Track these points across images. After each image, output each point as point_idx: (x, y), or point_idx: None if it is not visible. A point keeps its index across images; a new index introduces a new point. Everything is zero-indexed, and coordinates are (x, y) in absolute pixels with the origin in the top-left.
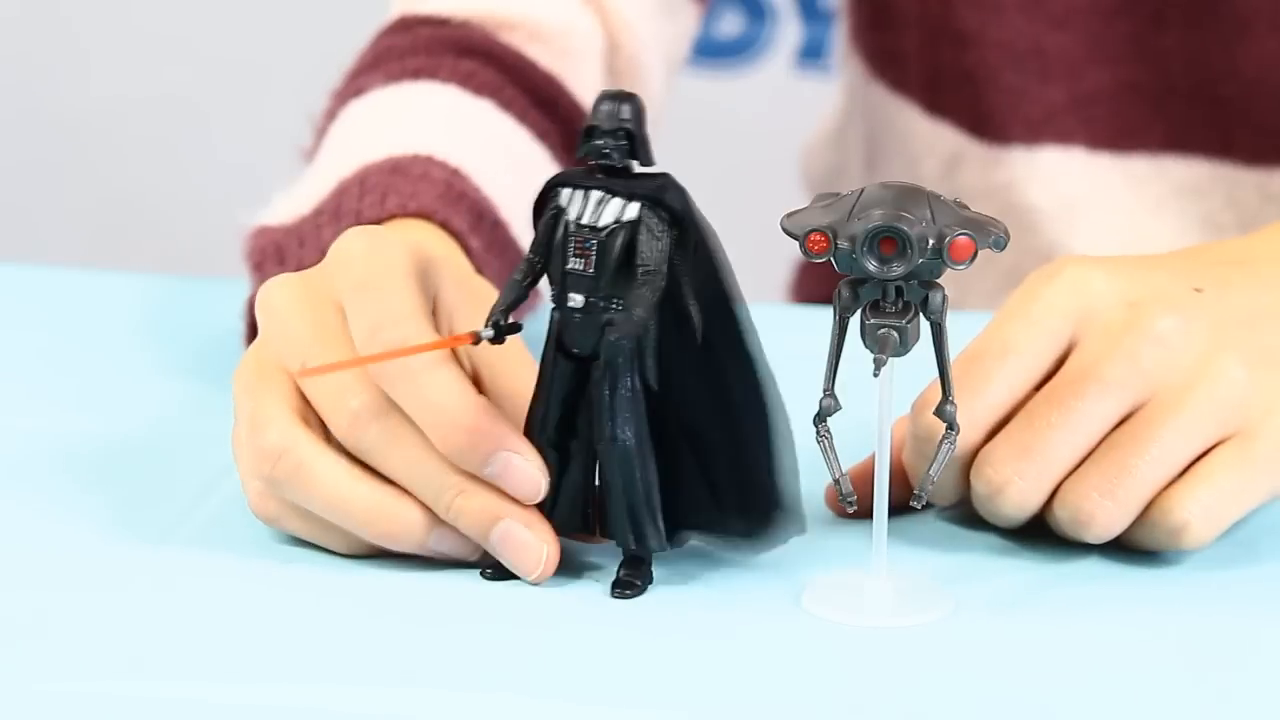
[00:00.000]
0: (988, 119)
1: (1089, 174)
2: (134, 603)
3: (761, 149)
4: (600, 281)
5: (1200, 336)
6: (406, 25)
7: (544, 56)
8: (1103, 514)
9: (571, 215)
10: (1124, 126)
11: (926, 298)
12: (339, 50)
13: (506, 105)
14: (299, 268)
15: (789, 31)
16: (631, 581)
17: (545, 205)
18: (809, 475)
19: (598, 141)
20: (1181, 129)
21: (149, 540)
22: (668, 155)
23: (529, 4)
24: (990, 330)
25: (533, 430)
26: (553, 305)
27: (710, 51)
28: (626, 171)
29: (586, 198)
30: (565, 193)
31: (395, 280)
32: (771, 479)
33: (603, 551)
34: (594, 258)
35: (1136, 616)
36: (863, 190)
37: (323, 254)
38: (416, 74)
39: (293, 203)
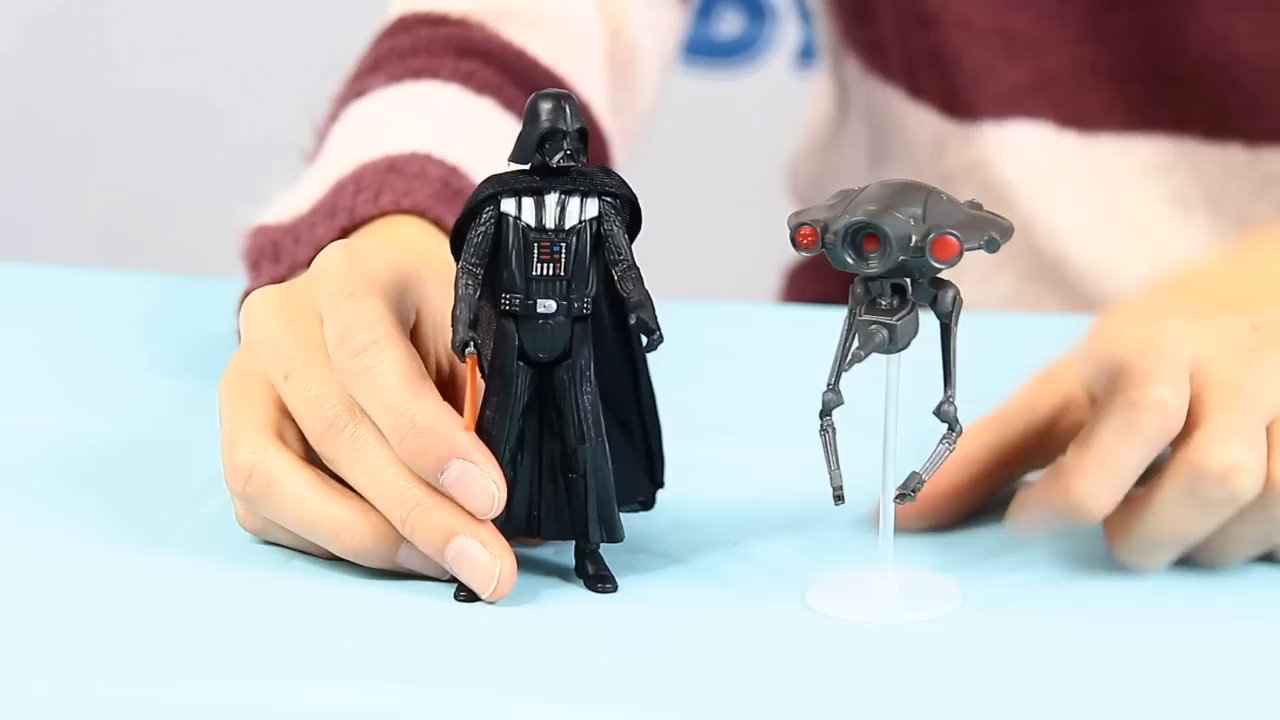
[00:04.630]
0: (958, 97)
1: (1058, 151)
2: (133, 603)
3: (761, 149)
4: (574, 283)
5: (1229, 353)
6: (407, 25)
7: (545, 50)
8: None
9: (527, 220)
10: (1087, 106)
11: (936, 297)
12: (339, 51)
13: (508, 104)
14: (293, 265)
15: (789, 31)
16: (608, 575)
17: (477, 215)
18: (813, 474)
19: (563, 143)
20: (1141, 107)
21: (148, 540)
22: (666, 155)
23: None
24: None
25: (496, 444)
26: (506, 314)
27: (709, 51)
28: (563, 170)
29: (541, 200)
30: (508, 200)
31: (371, 289)
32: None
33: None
34: (564, 260)
35: (1144, 613)
36: (865, 187)
37: (316, 250)
38: (418, 74)
39: (291, 202)
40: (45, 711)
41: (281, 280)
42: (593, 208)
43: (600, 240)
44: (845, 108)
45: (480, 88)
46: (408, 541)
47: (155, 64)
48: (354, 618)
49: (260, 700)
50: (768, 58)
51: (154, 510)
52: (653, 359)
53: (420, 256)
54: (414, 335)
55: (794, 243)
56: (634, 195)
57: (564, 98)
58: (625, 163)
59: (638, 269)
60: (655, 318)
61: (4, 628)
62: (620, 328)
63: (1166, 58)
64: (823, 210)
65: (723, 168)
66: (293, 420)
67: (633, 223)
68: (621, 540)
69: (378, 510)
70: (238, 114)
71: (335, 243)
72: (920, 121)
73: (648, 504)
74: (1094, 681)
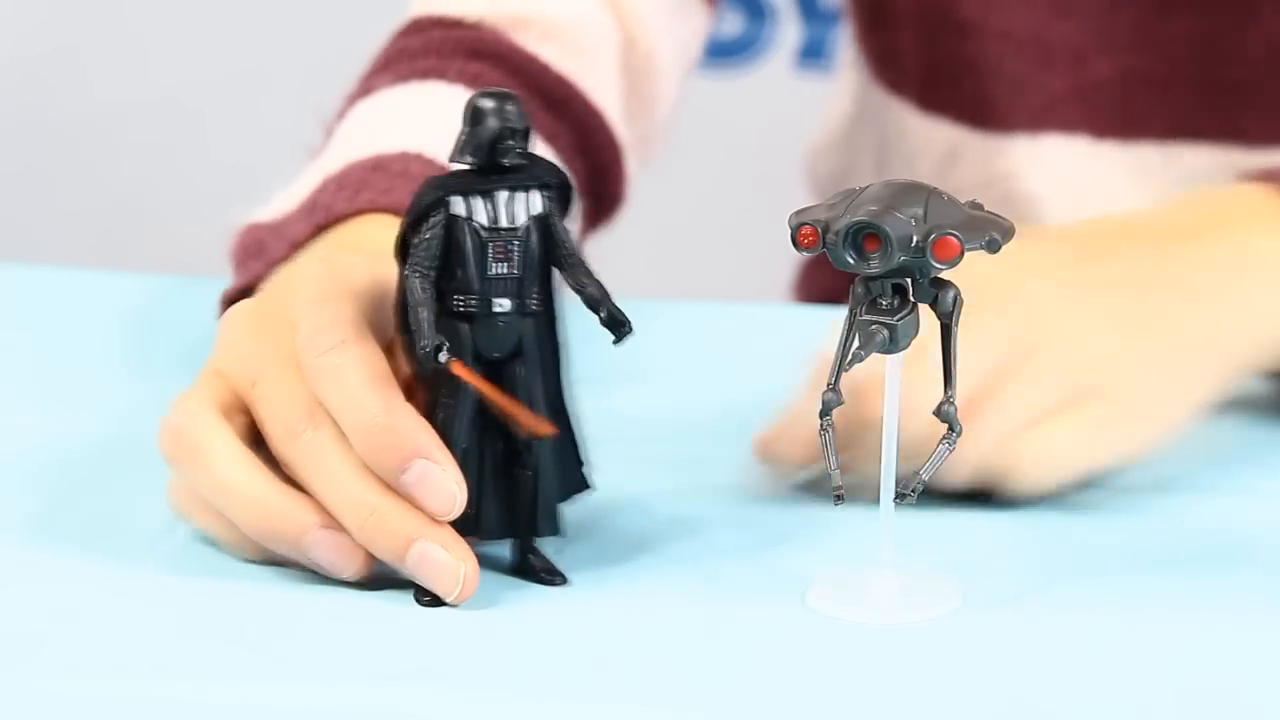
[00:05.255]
0: (988, 108)
1: (1092, 162)
2: (128, 603)
3: (762, 149)
4: (525, 281)
5: (1070, 299)
6: (420, 27)
7: (558, 56)
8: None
9: (480, 220)
10: (1129, 115)
11: (937, 297)
12: (335, 53)
13: None
14: (270, 262)
15: (789, 31)
16: (555, 568)
17: (425, 218)
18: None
19: (511, 142)
20: (1189, 115)
21: (145, 540)
22: (668, 155)
23: (543, 2)
24: None
25: (453, 446)
26: (459, 315)
27: (710, 51)
28: (502, 167)
29: (491, 199)
30: (457, 200)
31: (345, 296)
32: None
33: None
34: (518, 258)
35: (1144, 612)
36: (867, 187)
37: (292, 247)
38: (424, 75)
39: (284, 200)
40: (44, 711)
41: (261, 277)
42: (537, 203)
43: (546, 235)
44: (863, 104)
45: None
46: (320, 533)
47: (154, 65)
48: (355, 616)
49: (257, 700)
50: (768, 58)
51: (151, 510)
52: (651, 358)
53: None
54: (393, 346)
55: (795, 242)
56: (568, 178)
57: (509, 97)
58: (641, 169)
59: (585, 262)
60: (620, 309)
61: (6, 625)
62: (548, 316)
63: (1222, 64)
64: (824, 210)
65: (722, 168)
66: (247, 415)
67: (567, 206)
68: (563, 534)
69: (304, 500)
70: (235, 115)
71: (316, 254)
72: (931, 135)
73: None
74: (1094, 681)
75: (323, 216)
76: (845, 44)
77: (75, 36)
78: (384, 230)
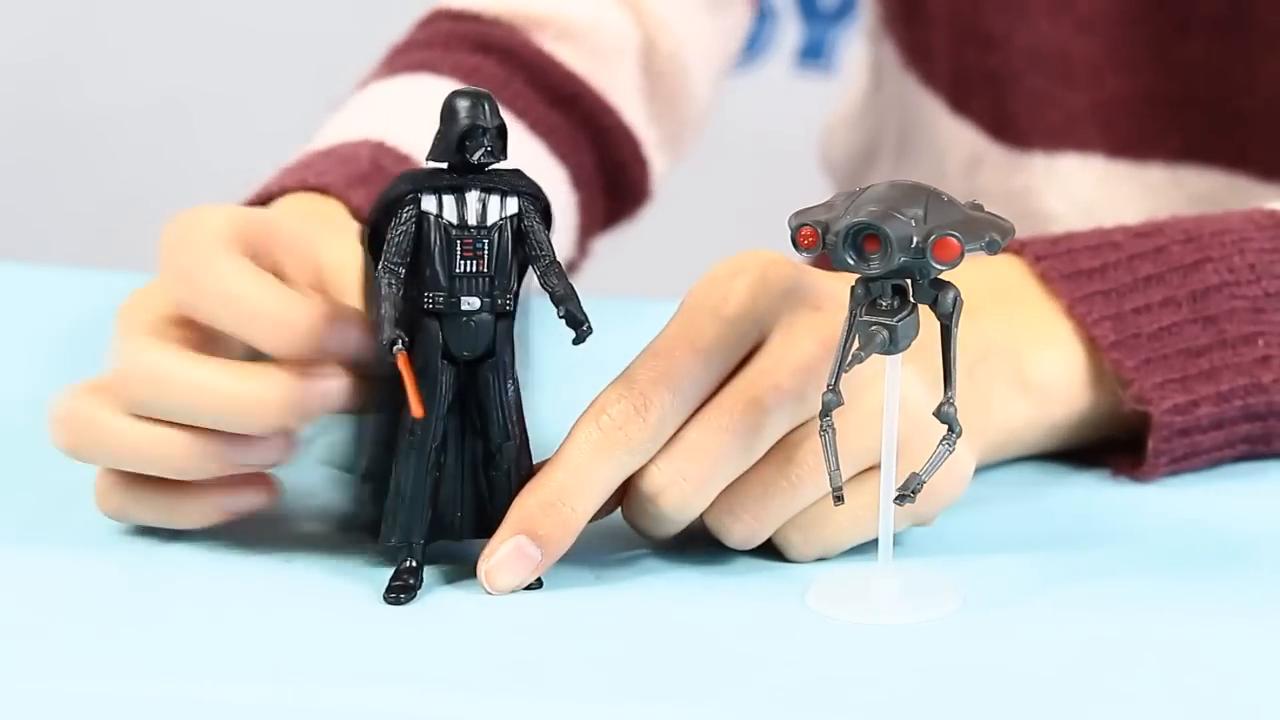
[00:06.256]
0: (1009, 122)
1: (1107, 182)
2: (129, 602)
3: (762, 149)
4: (498, 280)
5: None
6: (434, 19)
7: (573, 56)
8: (740, 529)
9: (449, 218)
10: (1142, 134)
11: (936, 298)
12: (328, 56)
13: (509, 101)
14: None
15: (789, 31)
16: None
17: (396, 213)
18: None
19: (480, 139)
20: (1198, 139)
21: (138, 538)
22: None
23: (560, 2)
24: (677, 327)
25: (423, 445)
26: (429, 312)
27: None
28: (480, 169)
29: (462, 198)
30: (428, 198)
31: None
32: None
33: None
34: (487, 256)
35: (1143, 613)
36: (868, 187)
37: None
38: (417, 67)
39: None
40: (44, 711)
41: None
42: (512, 205)
43: (520, 236)
44: (879, 80)
45: (479, 82)
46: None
47: (148, 69)
48: (353, 616)
49: (254, 700)
50: (768, 58)
51: None
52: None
53: (268, 213)
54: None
55: (795, 243)
56: (547, 200)
57: (482, 95)
58: (670, 166)
59: (559, 264)
60: (582, 309)
61: (2, 626)
62: (516, 316)
63: (1234, 92)
64: (824, 211)
65: (721, 168)
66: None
67: (548, 222)
68: None
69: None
70: (228, 117)
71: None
72: (958, 136)
73: None
74: (1093, 681)
75: (254, 198)
76: (866, 20)
77: (69, 41)
78: (304, 202)
